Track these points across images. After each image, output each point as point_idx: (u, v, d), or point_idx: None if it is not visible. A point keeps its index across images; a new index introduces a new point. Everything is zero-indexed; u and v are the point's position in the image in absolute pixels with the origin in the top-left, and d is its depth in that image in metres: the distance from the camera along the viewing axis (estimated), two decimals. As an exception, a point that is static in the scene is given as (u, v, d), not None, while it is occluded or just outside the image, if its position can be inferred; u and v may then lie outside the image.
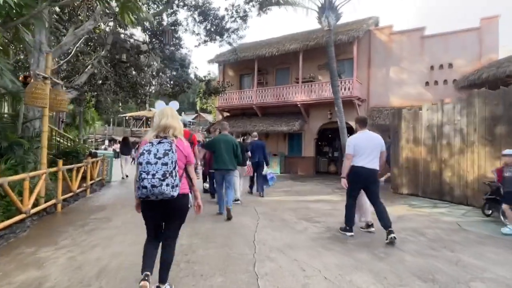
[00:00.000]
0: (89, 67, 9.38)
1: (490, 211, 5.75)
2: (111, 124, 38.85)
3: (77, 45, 8.79)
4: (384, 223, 4.17)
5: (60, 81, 7.46)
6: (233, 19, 12.45)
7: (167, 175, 2.29)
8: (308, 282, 2.90)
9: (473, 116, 6.97)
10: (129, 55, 11.15)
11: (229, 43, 13.05)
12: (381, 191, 8.56)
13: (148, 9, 10.88)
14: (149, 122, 39.76)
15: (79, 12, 9.65)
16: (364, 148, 4.31)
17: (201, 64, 75.53)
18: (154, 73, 13.22)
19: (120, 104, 20.57)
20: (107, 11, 8.53)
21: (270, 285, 2.82)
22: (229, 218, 5.31)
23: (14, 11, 5.58)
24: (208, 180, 7.85)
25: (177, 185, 2.36)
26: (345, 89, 12.95)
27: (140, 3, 6.15)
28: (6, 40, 8.17)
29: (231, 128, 13.30)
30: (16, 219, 4.61)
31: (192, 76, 13.14)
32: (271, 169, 13.28)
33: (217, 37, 12.55)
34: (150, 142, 2.40)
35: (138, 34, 12.35)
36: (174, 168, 2.34)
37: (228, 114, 17.95)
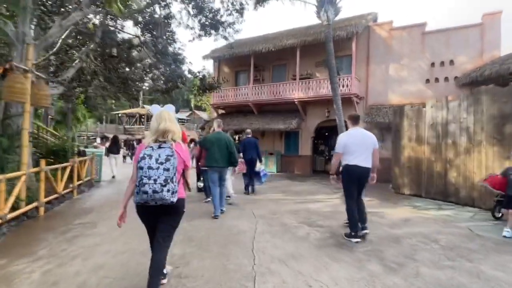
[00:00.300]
0: (76, 61, 8.88)
1: (501, 214, 5.48)
2: (103, 122, 38.12)
3: (63, 37, 8.26)
4: (360, 218, 4.29)
5: (42, 74, 6.97)
6: (229, 12, 11.94)
7: (169, 181, 2.27)
8: (317, 302, 2.55)
9: (480, 114, 6.67)
10: (120, 49, 10.63)
11: (225, 37, 12.51)
12: (382, 191, 8.43)
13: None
14: (142, 119, 39.15)
15: (66, 4, 9.12)
16: (357, 146, 4.23)
17: (196, 60, 74.59)
18: (147, 69, 12.70)
19: (112, 100, 19.95)
20: (94, -1, 8.04)
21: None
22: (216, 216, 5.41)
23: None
24: (202, 179, 7.51)
25: (176, 191, 2.35)
26: (343, 86, 12.57)
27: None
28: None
29: (226, 126, 12.88)
30: (-11, 225, 4.19)
31: (186, 72, 12.63)
32: (268, 169, 12.96)
33: (212, 31, 12.03)
34: (150, 147, 2.37)
35: (130, 29, 11.85)
36: (175, 173, 2.34)
37: (223, 111, 17.51)
